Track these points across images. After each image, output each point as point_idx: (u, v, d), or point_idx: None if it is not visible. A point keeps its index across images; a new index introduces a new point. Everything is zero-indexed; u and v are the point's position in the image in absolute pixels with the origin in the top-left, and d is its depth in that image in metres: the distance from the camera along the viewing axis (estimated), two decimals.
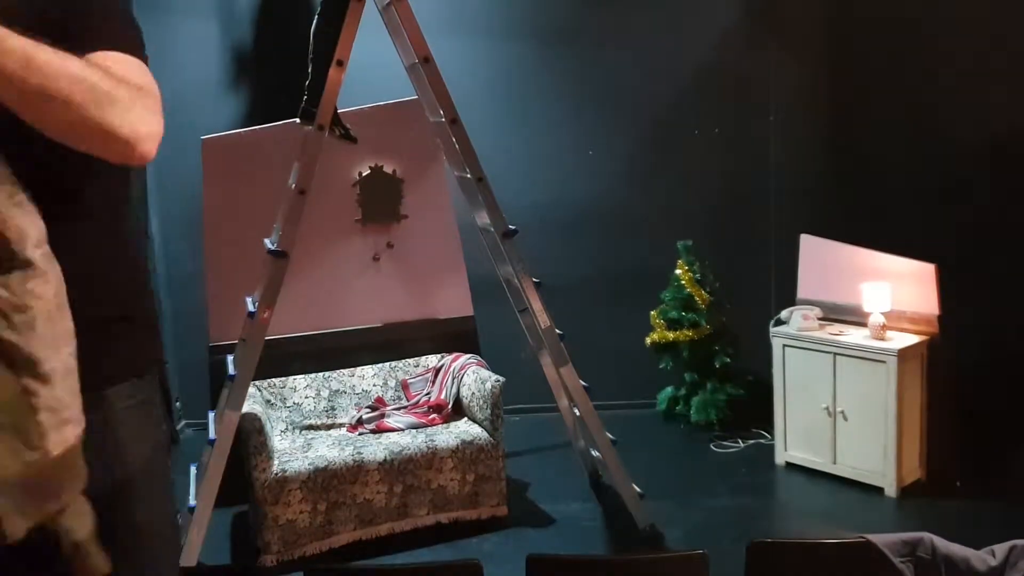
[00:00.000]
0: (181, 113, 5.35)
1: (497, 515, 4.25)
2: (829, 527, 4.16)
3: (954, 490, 4.40)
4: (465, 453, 4.20)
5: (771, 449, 4.90)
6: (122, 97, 1.33)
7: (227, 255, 4.58)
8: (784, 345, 4.75)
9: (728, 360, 5.43)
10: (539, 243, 5.01)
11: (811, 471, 4.68)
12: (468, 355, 4.70)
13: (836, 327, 4.70)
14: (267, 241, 3.83)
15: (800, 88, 5.59)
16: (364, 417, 4.45)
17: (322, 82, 3.71)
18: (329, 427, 4.49)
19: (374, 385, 4.70)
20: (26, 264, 1.29)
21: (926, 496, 4.39)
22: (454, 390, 4.56)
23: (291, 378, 4.54)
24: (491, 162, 4.25)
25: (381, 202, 4.83)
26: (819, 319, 4.75)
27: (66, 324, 1.35)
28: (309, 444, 4.24)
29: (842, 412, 4.53)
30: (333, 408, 4.57)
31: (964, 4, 4.95)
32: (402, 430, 4.34)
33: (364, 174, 4.79)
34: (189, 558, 3.53)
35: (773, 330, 4.82)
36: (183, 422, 5.73)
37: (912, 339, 4.45)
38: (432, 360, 4.83)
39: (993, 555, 2.79)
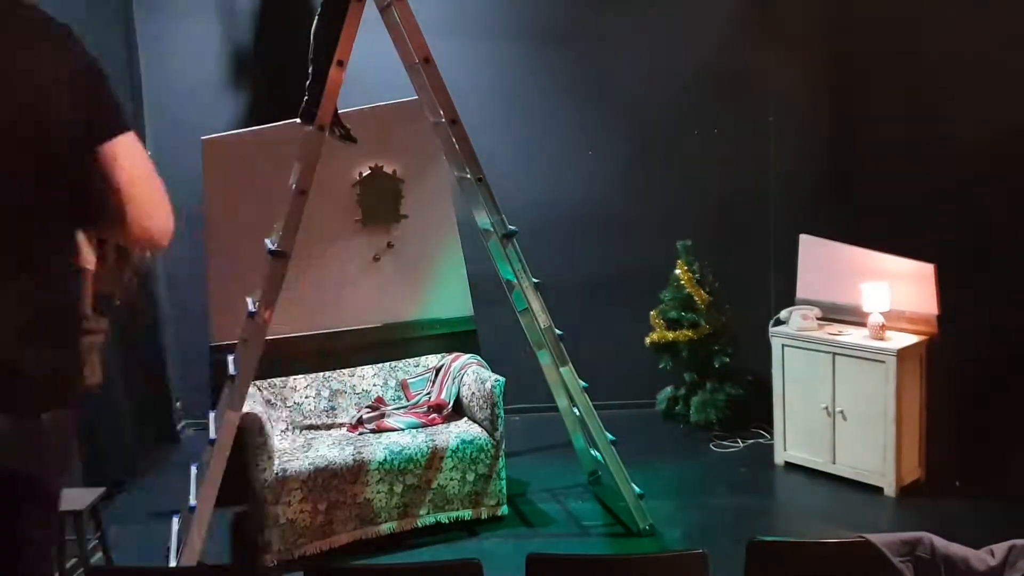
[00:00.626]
0: (181, 113, 5.40)
1: (497, 515, 4.26)
2: (828, 527, 4.16)
3: (953, 490, 4.41)
4: (465, 453, 4.20)
5: (770, 449, 4.91)
6: (151, 199, 1.62)
7: (227, 255, 4.57)
8: (783, 345, 4.75)
9: (727, 360, 5.43)
10: (539, 243, 5.01)
11: (810, 471, 4.69)
12: (468, 355, 4.70)
13: (835, 327, 4.70)
14: (267, 241, 3.83)
15: (799, 88, 5.59)
16: (364, 417, 4.45)
17: (322, 82, 3.72)
18: (329, 427, 4.49)
19: (374, 385, 4.70)
20: None
21: (925, 496, 4.40)
22: (454, 390, 4.56)
23: (291, 378, 4.55)
24: (491, 162, 4.26)
25: (381, 202, 4.83)
26: (818, 319, 4.76)
27: None
28: (309, 444, 4.24)
29: (841, 412, 4.54)
30: (333, 408, 4.57)
31: (964, 4, 4.95)
32: (402, 430, 4.35)
33: (364, 174, 4.79)
34: (189, 558, 3.53)
35: (772, 330, 4.83)
36: (183, 422, 5.73)
37: (911, 339, 4.46)
38: (432, 360, 4.83)
39: (992, 555, 2.78)
